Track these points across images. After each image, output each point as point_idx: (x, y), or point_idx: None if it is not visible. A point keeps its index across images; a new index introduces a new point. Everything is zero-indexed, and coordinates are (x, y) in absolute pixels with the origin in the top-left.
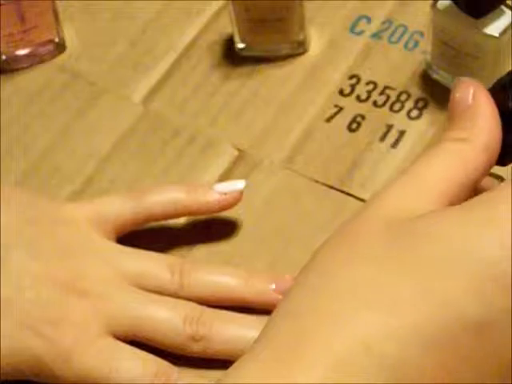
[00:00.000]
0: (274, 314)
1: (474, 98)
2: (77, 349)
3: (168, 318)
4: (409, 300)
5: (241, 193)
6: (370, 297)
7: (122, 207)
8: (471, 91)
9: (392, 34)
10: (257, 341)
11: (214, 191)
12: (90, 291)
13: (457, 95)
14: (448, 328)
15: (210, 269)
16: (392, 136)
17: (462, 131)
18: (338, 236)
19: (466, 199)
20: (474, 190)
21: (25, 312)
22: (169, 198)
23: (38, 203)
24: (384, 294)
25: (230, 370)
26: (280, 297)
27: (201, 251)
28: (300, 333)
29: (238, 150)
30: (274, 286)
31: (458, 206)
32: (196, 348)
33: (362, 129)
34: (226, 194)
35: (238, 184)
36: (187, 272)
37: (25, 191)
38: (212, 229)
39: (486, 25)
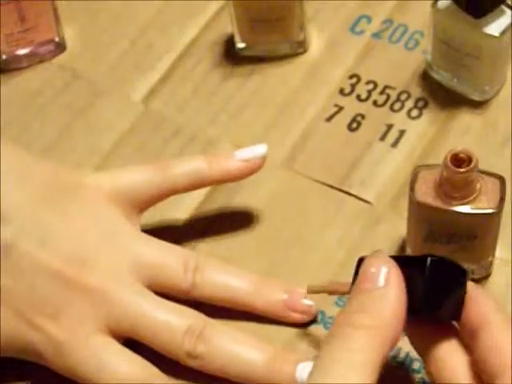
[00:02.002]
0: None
1: (388, 281)
2: (69, 344)
3: (169, 328)
4: None
5: (263, 158)
6: None
7: (144, 181)
8: (385, 273)
9: (392, 34)
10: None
11: (235, 159)
12: (95, 287)
13: (373, 269)
14: None
15: (224, 270)
16: (392, 135)
17: (369, 317)
18: None
19: None
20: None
21: (23, 302)
22: (191, 168)
23: (58, 177)
24: None
25: None
26: (290, 313)
27: (201, 251)
28: None
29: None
30: (285, 296)
31: None
32: (192, 364)
33: (362, 128)
34: (247, 160)
35: (260, 149)
36: (201, 270)
37: (46, 163)
38: (212, 229)
39: (486, 24)
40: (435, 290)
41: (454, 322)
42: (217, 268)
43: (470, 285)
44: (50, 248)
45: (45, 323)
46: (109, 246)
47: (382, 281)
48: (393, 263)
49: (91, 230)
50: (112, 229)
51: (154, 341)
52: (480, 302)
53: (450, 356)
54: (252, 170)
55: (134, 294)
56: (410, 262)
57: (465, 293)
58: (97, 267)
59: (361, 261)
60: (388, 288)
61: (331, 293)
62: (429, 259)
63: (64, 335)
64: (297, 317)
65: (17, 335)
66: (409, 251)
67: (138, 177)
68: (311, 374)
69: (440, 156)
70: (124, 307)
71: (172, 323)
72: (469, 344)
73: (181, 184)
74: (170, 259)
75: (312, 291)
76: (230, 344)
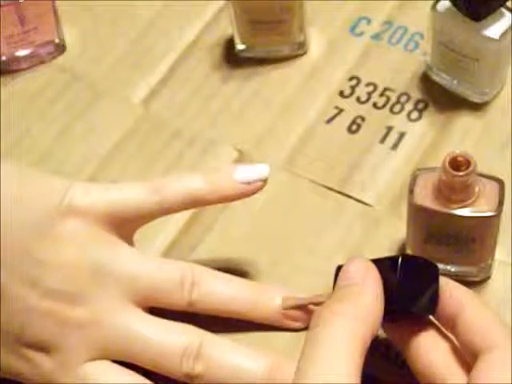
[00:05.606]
0: None
1: (365, 278)
2: (57, 375)
3: (166, 352)
4: None
5: (265, 181)
6: None
7: (138, 201)
8: (363, 272)
9: (392, 36)
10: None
11: (236, 182)
12: (87, 320)
13: (351, 269)
14: None
15: (221, 281)
16: (392, 138)
17: (347, 306)
18: None
19: None
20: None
21: (14, 338)
22: (188, 190)
23: (51, 202)
24: None
25: None
26: (287, 321)
27: (202, 252)
28: None
29: (238, 151)
30: (279, 302)
31: None
32: (191, 383)
33: (362, 130)
34: (249, 183)
35: (262, 171)
36: (197, 284)
37: (39, 183)
38: (213, 230)
39: (485, 27)
40: (409, 286)
41: (431, 317)
42: (213, 280)
43: (442, 279)
44: (42, 288)
45: (34, 355)
46: (102, 274)
47: (359, 278)
48: (370, 263)
49: (84, 259)
50: (105, 253)
51: (152, 365)
52: (453, 291)
53: (428, 344)
54: (253, 192)
55: (128, 320)
56: (385, 262)
57: (438, 288)
58: (89, 299)
59: (339, 269)
60: (366, 284)
61: (316, 304)
62: (400, 258)
63: (52, 365)
64: (295, 325)
65: (6, 365)
66: (409, 253)
67: (131, 197)
68: (299, 360)
69: (440, 158)
70: (119, 336)
71: (168, 347)
72: (448, 333)
73: (175, 206)
74: (167, 278)
75: (289, 306)
76: (229, 358)
